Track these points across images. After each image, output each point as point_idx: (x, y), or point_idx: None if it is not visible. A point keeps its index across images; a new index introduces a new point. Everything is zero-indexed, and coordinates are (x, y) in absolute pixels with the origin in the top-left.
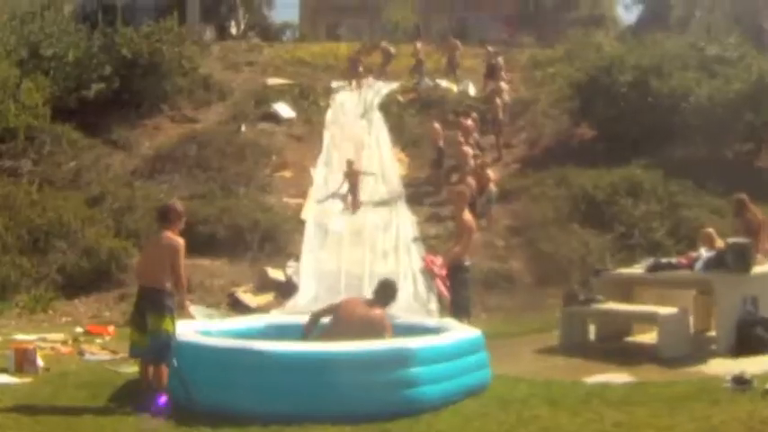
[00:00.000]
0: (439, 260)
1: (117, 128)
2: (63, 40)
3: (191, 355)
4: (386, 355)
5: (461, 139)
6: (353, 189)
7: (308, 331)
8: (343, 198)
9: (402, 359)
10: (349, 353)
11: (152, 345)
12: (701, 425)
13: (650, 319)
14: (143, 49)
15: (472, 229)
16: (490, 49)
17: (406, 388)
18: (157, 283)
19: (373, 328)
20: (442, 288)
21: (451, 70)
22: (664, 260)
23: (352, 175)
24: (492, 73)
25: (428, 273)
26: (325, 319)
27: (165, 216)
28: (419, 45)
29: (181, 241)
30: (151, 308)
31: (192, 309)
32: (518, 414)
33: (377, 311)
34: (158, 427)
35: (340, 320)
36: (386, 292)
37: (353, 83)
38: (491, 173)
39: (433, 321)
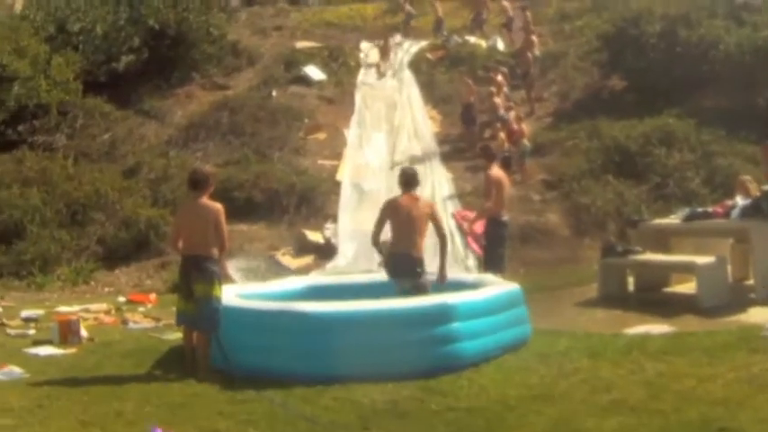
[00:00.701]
0: (471, 215)
1: (149, 98)
2: (90, 14)
3: (232, 318)
4: (426, 311)
5: (494, 92)
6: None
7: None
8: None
9: (442, 315)
10: (389, 310)
11: (203, 312)
12: (741, 374)
13: (688, 269)
14: (170, 19)
15: (501, 183)
16: (506, 3)
17: (447, 344)
18: (203, 251)
19: (433, 208)
20: (474, 245)
21: (477, 26)
22: (699, 209)
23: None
24: (508, 26)
25: (459, 228)
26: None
27: (196, 182)
28: (437, 3)
29: (219, 205)
30: (199, 275)
31: (232, 272)
32: (559, 367)
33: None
34: (205, 392)
35: (410, 218)
36: (408, 179)
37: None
38: (525, 127)
39: (471, 277)
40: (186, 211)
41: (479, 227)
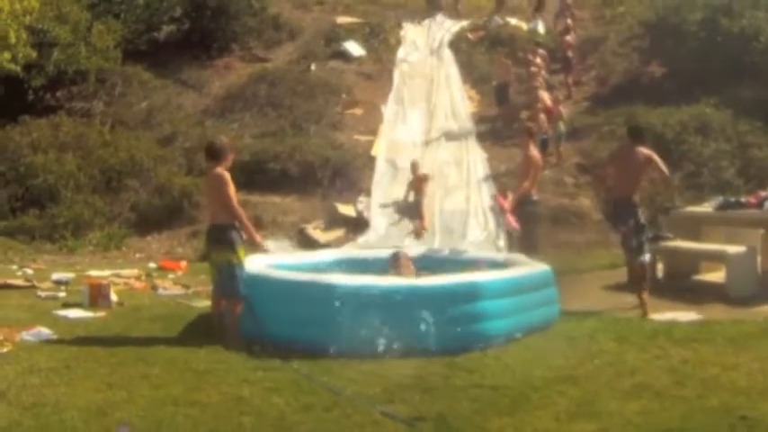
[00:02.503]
0: (509, 200)
1: (187, 68)
2: None
3: (262, 288)
4: (454, 289)
5: (534, 71)
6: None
7: None
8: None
9: (470, 293)
10: (418, 287)
11: (220, 278)
12: (766, 364)
13: (718, 258)
14: None
15: (539, 164)
16: None
17: (474, 322)
18: (219, 219)
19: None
20: (512, 221)
21: (540, 7)
22: (732, 199)
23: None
24: (539, 7)
25: (499, 209)
26: None
27: (212, 153)
28: None
29: (225, 173)
30: (214, 243)
31: (269, 243)
32: (585, 349)
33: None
34: (231, 359)
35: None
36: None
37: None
38: (562, 109)
39: (501, 256)
40: (205, 182)
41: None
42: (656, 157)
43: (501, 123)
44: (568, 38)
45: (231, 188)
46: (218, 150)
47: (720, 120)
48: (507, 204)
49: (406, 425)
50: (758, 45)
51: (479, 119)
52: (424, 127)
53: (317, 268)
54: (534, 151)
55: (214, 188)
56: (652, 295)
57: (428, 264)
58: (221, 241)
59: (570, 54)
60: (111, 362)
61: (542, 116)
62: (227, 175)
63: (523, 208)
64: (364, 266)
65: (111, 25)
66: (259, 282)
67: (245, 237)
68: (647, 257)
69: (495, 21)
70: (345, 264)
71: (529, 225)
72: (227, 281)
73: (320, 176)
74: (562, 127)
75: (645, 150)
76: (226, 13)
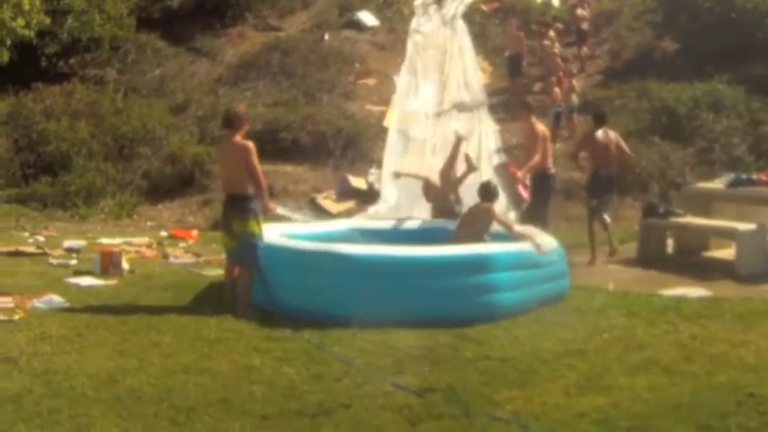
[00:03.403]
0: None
1: (201, 36)
2: None
3: (274, 257)
4: (465, 260)
5: (547, 44)
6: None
7: None
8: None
9: (481, 265)
10: (429, 257)
11: (239, 247)
12: None
13: (728, 235)
14: None
15: (545, 137)
16: None
17: (485, 294)
18: (239, 189)
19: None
20: (523, 192)
21: None
22: (744, 176)
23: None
24: None
25: (511, 178)
26: None
27: (230, 121)
28: None
29: (250, 143)
30: (235, 213)
31: (281, 210)
32: (594, 323)
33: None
34: (242, 328)
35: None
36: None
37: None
38: (575, 82)
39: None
40: (221, 150)
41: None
42: (619, 138)
43: (513, 96)
44: (581, 11)
45: (256, 158)
46: (236, 118)
47: (733, 96)
48: (520, 174)
49: (416, 396)
50: None
51: (492, 91)
52: (437, 98)
53: (329, 238)
54: (539, 125)
55: (237, 157)
56: (662, 270)
57: (438, 235)
58: (243, 210)
59: (585, 26)
60: (122, 330)
61: (556, 89)
62: (252, 145)
63: (541, 183)
64: (376, 236)
65: None
66: (271, 251)
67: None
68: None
69: None
70: (357, 233)
71: (543, 201)
72: (247, 250)
73: (332, 146)
74: (575, 100)
75: (611, 133)
76: None
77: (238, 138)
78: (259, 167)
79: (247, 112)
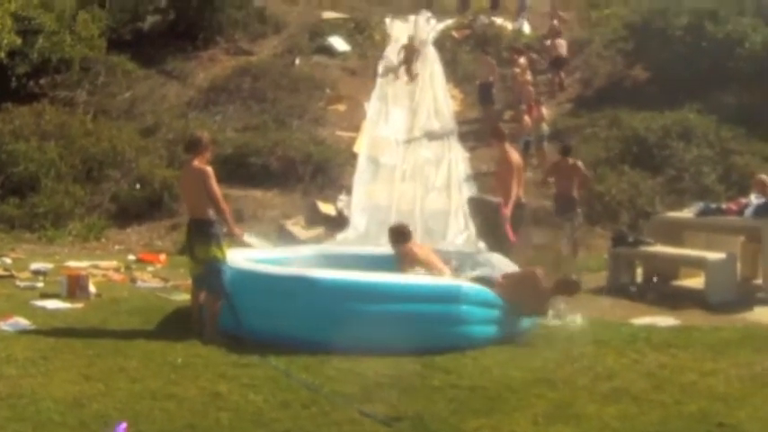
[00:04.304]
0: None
1: (172, 59)
2: None
3: (241, 282)
4: (434, 290)
5: (518, 72)
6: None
7: None
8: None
9: (450, 294)
10: (398, 285)
11: (203, 273)
12: (743, 371)
13: (698, 264)
14: None
15: (519, 166)
16: None
17: (454, 325)
18: (200, 214)
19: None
20: (511, 234)
21: (494, 6)
22: (713, 205)
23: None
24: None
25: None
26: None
27: (191, 146)
28: None
29: (208, 168)
30: (197, 238)
31: (247, 237)
32: (563, 352)
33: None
34: (209, 354)
35: None
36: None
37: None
38: (545, 111)
39: (481, 257)
40: (182, 175)
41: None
42: (581, 166)
43: (484, 123)
44: (559, 40)
45: (215, 182)
46: (199, 144)
47: (703, 125)
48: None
49: (384, 424)
50: (743, 51)
51: (462, 118)
52: (407, 125)
53: (296, 263)
54: (513, 153)
55: (195, 182)
56: (631, 299)
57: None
58: (205, 235)
59: (563, 52)
60: (88, 354)
61: (526, 117)
62: (210, 170)
63: (515, 213)
64: (343, 262)
65: (96, 14)
66: (239, 276)
67: (225, 231)
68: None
69: (481, 20)
70: (326, 259)
71: (514, 227)
72: (211, 276)
73: (302, 172)
74: (545, 128)
75: (576, 162)
76: (211, 4)
77: (197, 162)
78: (218, 192)
79: (209, 138)
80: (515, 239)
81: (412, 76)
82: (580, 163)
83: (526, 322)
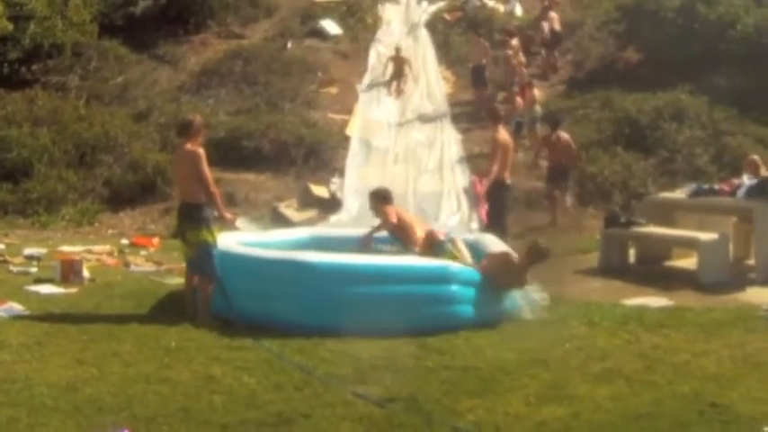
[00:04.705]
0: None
1: (164, 44)
2: None
3: (233, 265)
4: (426, 271)
5: (510, 54)
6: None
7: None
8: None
9: (442, 276)
10: (390, 266)
11: (195, 257)
12: (736, 351)
13: (690, 244)
14: None
15: (507, 146)
16: None
17: (445, 305)
18: (191, 197)
19: None
20: (483, 215)
21: None
22: (705, 186)
23: (399, 61)
24: None
25: (474, 195)
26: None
27: (182, 129)
28: None
29: (200, 150)
30: (188, 222)
31: (239, 222)
32: (556, 333)
33: None
34: (202, 337)
35: None
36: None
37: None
38: (537, 92)
39: (471, 236)
40: (175, 158)
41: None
42: (568, 139)
43: (476, 105)
44: (552, 13)
45: (206, 165)
46: (191, 127)
47: (695, 107)
48: (480, 189)
49: (378, 405)
50: (735, 33)
51: (455, 101)
52: (399, 107)
53: (289, 246)
54: (500, 134)
55: (187, 165)
56: (624, 280)
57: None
58: (195, 219)
59: (557, 27)
60: (82, 338)
61: (518, 99)
62: (202, 152)
63: (498, 193)
64: (336, 244)
65: None
66: (230, 259)
67: (216, 214)
68: (568, 200)
69: (473, 2)
70: (318, 241)
71: (497, 208)
72: (203, 259)
73: (294, 155)
74: (538, 110)
75: (564, 135)
76: None
77: (189, 145)
78: (208, 175)
79: (201, 121)
80: (488, 219)
81: (399, 92)
82: (567, 136)
83: (509, 302)
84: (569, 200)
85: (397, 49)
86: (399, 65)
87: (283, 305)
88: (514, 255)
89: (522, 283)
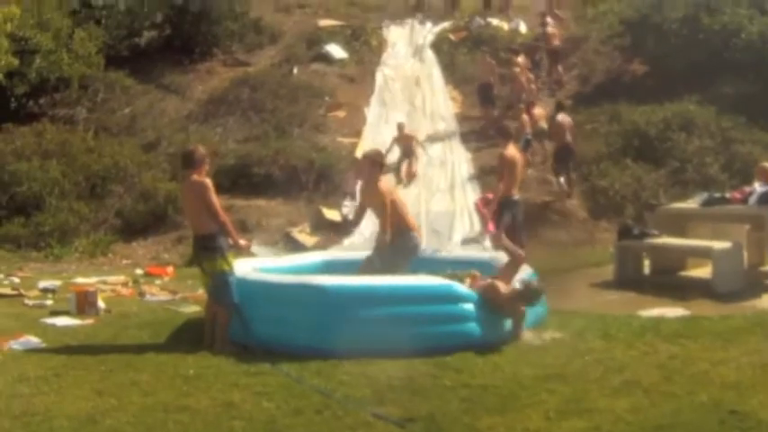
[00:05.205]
0: (490, 195)
1: (170, 73)
2: None
3: (249, 291)
4: (437, 290)
5: (516, 71)
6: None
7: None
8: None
9: (453, 295)
10: (405, 287)
11: (213, 286)
12: (754, 358)
13: (704, 254)
14: None
15: (514, 163)
16: None
17: (459, 323)
18: (202, 228)
19: None
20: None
21: (505, 8)
22: (717, 195)
23: (405, 140)
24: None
25: (479, 215)
26: None
27: (188, 160)
28: None
29: (206, 180)
30: (203, 252)
31: (255, 248)
32: (573, 347)
33: None
34: (220, 364)
35: None
36: None
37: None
38: (539, 110)
39: (486, 255)
40: (182, 190)
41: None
42: (571, 122)
43: (484, 124)
44: (551, 29)
45: (214, 195)
46: (194, 158)
47: (703, 116)
48: (487, 212)
49: (397, 425)
50: (739, 41)
51: (463, 119)
52: (408, 128)
53: (303, 270)
54: (508, 151)
55: (195, 196)
56: (639, 291)
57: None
58: (210, 249)
59: (556, 43)
60: (100, 369)
61: (525, 116)
62: (209, 182)
63: (505, 209)
64: (350, 268)
65: (93, 31)
66: (247, 285)
67: (230, 242)
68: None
69: (477, 21)
70: (332, 266)
71: (510, 226)
72: (221, 288)
73: (305, 179)
74: (543, 126)
75: (566, 118)
76: (207, 17)
77: (195, 176)
78: (217, 204)
79: (204, 151)
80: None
81: (411, 175)
82: (569, 118)
83: (533, 312)
84: (571, 178)
85: (401, 127)
86: (406, 143)
87: (299, 329)
88: (503, 286)
89: (514, 314)
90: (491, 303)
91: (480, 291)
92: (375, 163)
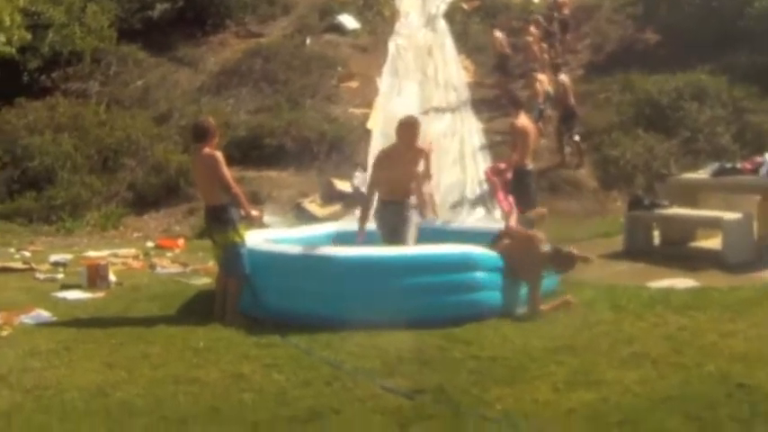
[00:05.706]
0: (502, 166)
1: (182, 46)
2: None
3: (260, 262)
4: (449, 259)
5: (530, 40)
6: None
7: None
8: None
9: (465, 264)
10: (415, 257)
11: (224, 258)
12: (763, 331)
13: (714, 225)
14: None
15: (526, 132)
16: None
17: (470, 293)
18: (214, 200)
19: None
20: (503, 203)
21: None
22: (728, 165)
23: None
24: None
25: (489, 185)
26: None
27: (197, 134)
28: None
29: (217, 153)
30: (214, 225)
31: (267, 219)
32: (582, 319)
33: None
34: (230, 336)
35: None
36: None
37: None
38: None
39: (497, 226)
40: (193, 163)
41: (508, 175)
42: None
43: (499, 93)
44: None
45: (225, 167)
46: (204, 131)
47: (716, 86)
48: (497, 180)
49: (407, 397)
50: (752, 10)
51: (475, 89)
52: (420, 99)
53: (314, 242)
54: (521, 120)
55: (206, 169)
56: (649, 262)
57: (424, 235)
58: (221, 221)
59: (566, 12)
60: (110, 342)
61: (538, 86)
62: (220, 154)
63: (520, 180)
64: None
65: (105, 5)
66: (258, 256)
67: (242, 213)
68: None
69: None
70: (342, 236)
71: (524, 196)
72: (232, 260)
73: (316, 151)
74: (550, 89)
75: (566, 79)
76: None
77: (206, 149)
78: (229, 176)
79: (213, 123)
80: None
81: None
82: (568, 80)
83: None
84: (577, 137)
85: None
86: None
87: (310, 300)
88: (541, 238)
89: (533, 277)
90: (510, 265)
91: (512, 242)
92: (417, 127)
